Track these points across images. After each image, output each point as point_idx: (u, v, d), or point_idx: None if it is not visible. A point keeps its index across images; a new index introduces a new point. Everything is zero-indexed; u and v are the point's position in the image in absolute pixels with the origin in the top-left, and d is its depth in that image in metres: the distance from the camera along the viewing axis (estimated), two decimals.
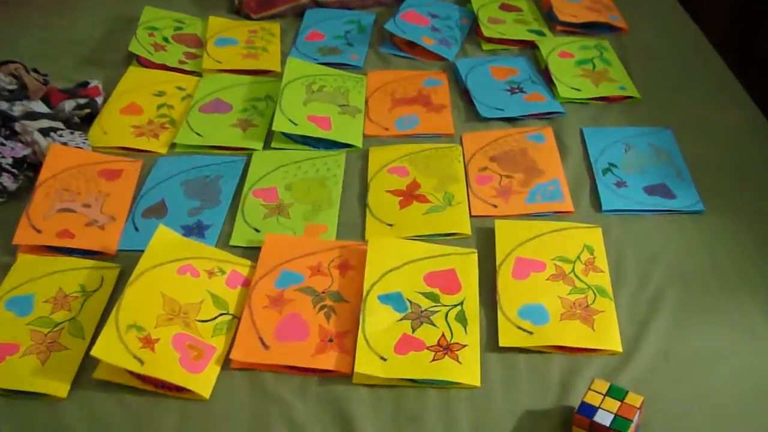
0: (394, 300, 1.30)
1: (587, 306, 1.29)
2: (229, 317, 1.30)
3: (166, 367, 1.20)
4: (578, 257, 1.37)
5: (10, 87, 1.65)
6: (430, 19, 2.01)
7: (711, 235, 1.42)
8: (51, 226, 1.44)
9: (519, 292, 1.31)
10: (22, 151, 1.54)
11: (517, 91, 1.77)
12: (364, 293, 1.29)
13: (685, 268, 1.36)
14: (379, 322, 1.26)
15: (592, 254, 1.37)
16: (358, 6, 2.10)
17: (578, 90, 1.75)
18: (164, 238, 1.37)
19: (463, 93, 1.78)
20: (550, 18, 2.01)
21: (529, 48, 1.92)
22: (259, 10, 2.05)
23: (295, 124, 1.63)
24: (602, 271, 1.35)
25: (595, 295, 1.31)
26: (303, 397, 1.19)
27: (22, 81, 1.68)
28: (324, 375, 1.22)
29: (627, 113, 1.71)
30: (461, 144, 1.63)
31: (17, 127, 1.57)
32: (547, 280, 1.33)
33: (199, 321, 1.28)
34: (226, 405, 1.19)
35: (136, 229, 1.46)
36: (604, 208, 1.48)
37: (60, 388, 1.21)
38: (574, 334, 1.24)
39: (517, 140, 1.63)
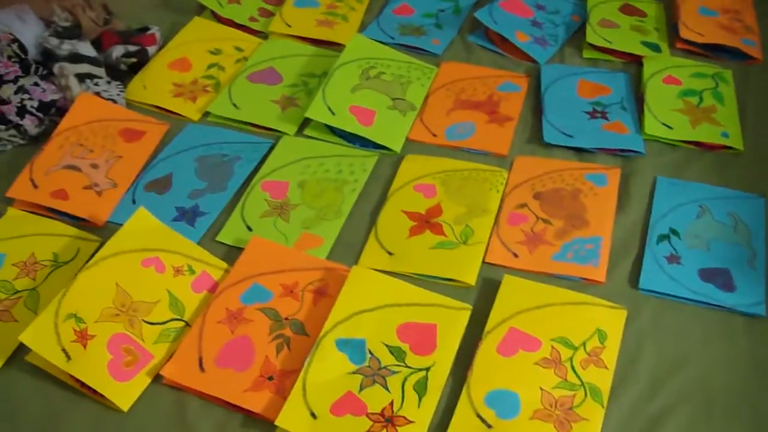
0: (354, 348, 1.15)
1: (570, 408, 1.08)
2: (181, 324, 1.20)
3: (92, 368, 1.12)
4: (584, 343, 1.15)
5: (64, 24, 1.60)
6: (535, 10, 1.77)
7: (763, 350, 1.16)
8: (49, 182, 1.38)
9: (496, 372, 1.12)
10: (51, 95, 1.49)
11: (598, 115, 1.52)
12: (322, 332, 1.15)
13: (713, 385, 1.12)
14: (327, 371, 1.12)
15: (602, 343, 1.16)
16: None
17: (670, 128, 1.48)
18: (141, 222, 1.28)
19: (538, 106, 1.56)
20: (675, 31, 1.71)
21: (636, 63, 1.65)
22: None
23: (333, 114, 1.48)
24: (606, 368, 1.13)
25: (585, 395, 1.10)
26: None
27: (77, 19, 1.62)
28: (250, 416, 1.10)
29: (720, 167, 1.43)
30: (510, 169, 1.43)
31: (55, 68, 1.52)
32: (535, 363, 1.13)
33: (147, 322, 1.19)
34: (142, 422, 1.10)
35: (134, 202, 1.38)
36: (641, 285, 1.24)
37: None
38: None
39: (575, 178, 1.40)
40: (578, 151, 1.47)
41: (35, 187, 1.38)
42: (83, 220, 1.35)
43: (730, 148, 1.46)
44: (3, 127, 1.46)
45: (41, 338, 1.13)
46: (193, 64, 1.63)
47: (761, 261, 1.27)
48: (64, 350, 1.13)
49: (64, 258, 1.29)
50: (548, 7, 1.79)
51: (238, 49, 1.68)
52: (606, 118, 1.51)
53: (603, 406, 1.09)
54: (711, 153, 1.46)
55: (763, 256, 1.28)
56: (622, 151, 1.46)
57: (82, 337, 1.14)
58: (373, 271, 1.24)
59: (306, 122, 1.51)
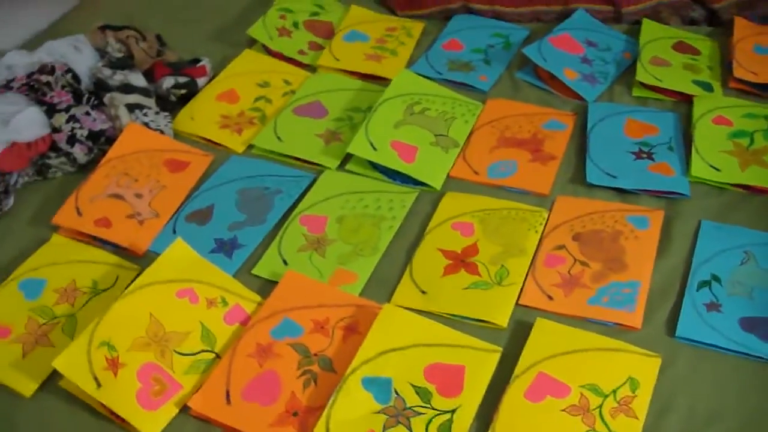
0: (380, 387, 1.14)
1: None
2: (211, 356, 1.22)
3: (121, 396, 1.14)
4: (615, 391, 1.13)
5: (118, 54, 1.65)
6: (585, 47, 1.75)
7: None
8: (94, 210, 1.42)
9: (523, 418, 1.10)
10: (101, 124, 1.54)
11: (644, 156, 1.49)
12: (349, 370, 1.15)
13: None
14: (352, 409, 1.12)
15: (634, 392, 1.13)
16: (513, 18, 1.87)
17: (717, 170, 1.44)
18: (178, 253, 1.30)
19: (583, 145, 1.54)
20: (729, 69, 1.67)
21: (687, 102, 1.61)
22: (405, 7, 1.90)
23: (375, 149, 1.49)
24: (636, 418, 1.10)
25: None
26: None
27: (130, 50, 1.67)
28: None
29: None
30: (550, 209, 1.41)
31: (106, 98, 1.56)
32: (563, 410, 1.11)
33: (178, 353, 1.20)
34: None
35: (174, 232, 1.40)
36: (678, 333, 1.21)
37: (26, 387, 1.19)
38: None
39: (615, 220, 1.37)
40: (621, 192, 1.44)
41: (80, 214, 1.41)
42: (124, 248, 1.38)
43: None
44: (54, 154, 1.51)
45: (74, 365, 1.15)
46: (240, 96, 1.66)
47: None
48: (95, 377, 1.15)
49: (103, 285, 1.32)
50: (599, 44, 1.77)
51: (287, 82, 1.70)
52: (652, 159, 1.48)
53: None
54: (759, 197, 1.42)
55: None
56: (667, 193, 1.43)
57: (113, 365, 1.16)
58: (404, 309, 1.23)
59: (348, 157, 1.52)
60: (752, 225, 1.36)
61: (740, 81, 1.63)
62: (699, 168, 1.45)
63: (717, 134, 1.51)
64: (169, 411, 1.15)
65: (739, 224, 1.37)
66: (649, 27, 1.79)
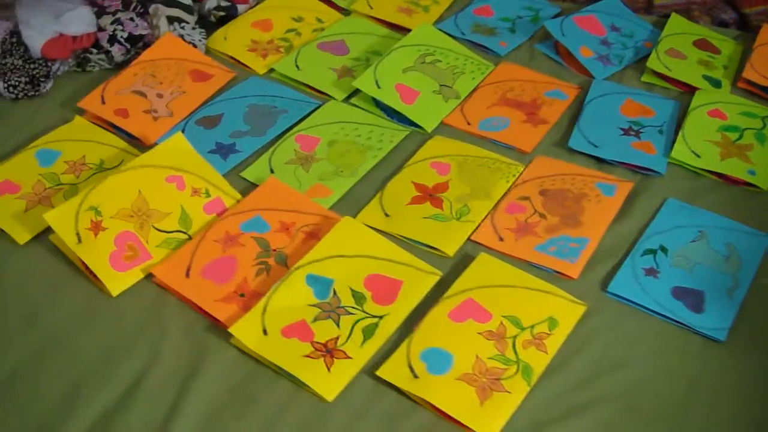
0: (321, 285, 1.25)
1: (497, 379, 1.14)
2: (185, 237, 1.35)
3: (96, 254, 1.28)
4: (533, 326, 1.21)
5: None
6: (608, 30, 1.81)
7: (708, 374, 1.17)
8: (117, 101, 1.57)
9: (441, 332, 1.19)
10: (141, 30, 1.69)
11: (632, 133, 1.55)
12: (297, 265, 1.26)
13: (645, 392, 1.14)
14: (290, 298, 1.23)
15: (550, 330, 1.20)
16: None
17: (697, 156, 1.49)
18: (176, 144, 1.43)
19: (579, 115, 1.60)
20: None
21: (693, 95, 1.65)
22: None
23: (379, 87, 1.59)
24: (546, 353, 1.18)
25: (516, 371, 1.15)
26: (179, 333, 1.22)
27: None
28: (215, 323, 1.23)
29: (736, 201, 1.43)
30: (527, 165, 1.49)
31: (151, 8, 1.71)
32: (479, 333, 1.19)
33: (155, 228, 1.34)
34: (125, 308, 1.25)
35: (182, 131, 1.53)
36: (609, 288, 1.27)
37: (21, 236, 1.34)
38: (455, 400, 1.11)
39: (584, 184, 1.44)
40: (601, 162, 1.50)
41: (103, 103, 1.56)
42: (135, 138, 1.52)
43: (753, 186, 1.45)
44: (95, 50, 1.67)
45: (62, 220, 1.30)
46: (274, 26, 1.79)
47: (741, 293, 1.27)
48: (77, 234, 1.29)
49: (108, 165, 1.47)
50: (624, 29, 1.82)
51: (319, 20, 1.82)
52: (638, 137, 1.54)
53: (529, 385, 1.14)
54: (731, 187, 1.46)
55: (745, 289, 1.28)
56: (643, 169, 1.48)
57: (96, 227, 1.31)
58: (361, 223, 1.34)
59: (356, 93, 1.63)
60: (717, 210, 1.41)
61: (749, 83, 1.67)
62: (680, 151, 1.50)
63: (708, 125, 1.56)
64: (135, 275, 1.29)
65: (704, 208, 1.42)
66: (676, 21, 1.83)
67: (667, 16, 1.86)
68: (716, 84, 1.67)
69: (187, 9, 1.74)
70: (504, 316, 1.22)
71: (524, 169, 1.47)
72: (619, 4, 1.89)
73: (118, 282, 1.27)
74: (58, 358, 1.19)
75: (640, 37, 1.81)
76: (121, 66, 1.68)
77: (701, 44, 1.78)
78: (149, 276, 1.29)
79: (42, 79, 1.61)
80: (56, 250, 1.33)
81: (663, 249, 1.34)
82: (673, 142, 1.52)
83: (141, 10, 1.72)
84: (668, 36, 1.78)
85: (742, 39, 1.82)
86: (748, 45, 1.78)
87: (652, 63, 1.70)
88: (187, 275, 1.28)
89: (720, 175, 1.48)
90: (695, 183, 1.47)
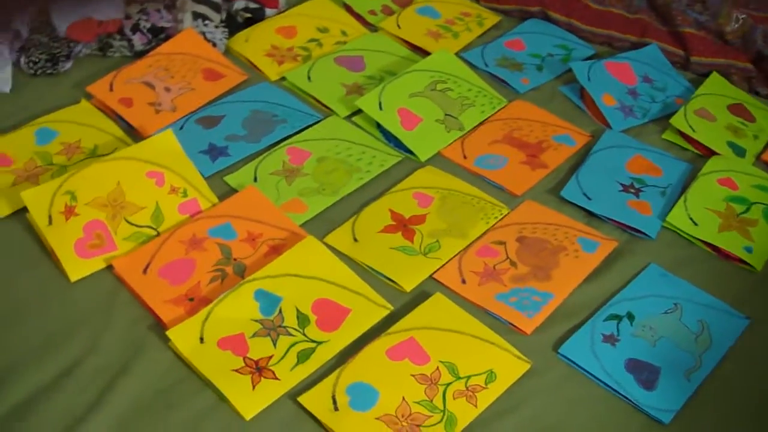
0: (269, 301, 1.24)
1: (418, 425, 1.11)
2: (153, 233, 1.36)
3: (63, 238, 1.31)
4: (469, 377, 1.17)
5: None
6: (640, 81, 1.74)
7: None
8: (124, 90, 1.60)
9: (373, 368, 1.17)
10: (164, 22, 1.71)
11: (631, 191, 1.49)
12: (249, 278, 1.26)
13: None
14: (234, 311, 1.23)
15: (486, 384, 1.17)
16: (586, 36, 1.88)
17: (694, 224, 1.42)
18: (164, 141, 1.44)
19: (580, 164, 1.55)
20: None
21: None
22: None
23: (381, 109, 1.58)
24: (475, 407, 1.14)
25: (440, 421, 1.12)
26: (123, 328, 1.23)
27: None
28: (160, 323, 1.24)
29: (724, 278, 1.36)
30: (513, 209, 1.44)
31: (178, 1, 1.74)
32: (412, 375, 1.17)
33: (127, 221, 1.35)
34: (80, 294, 1.27)
35: (181, 128, 1.55)
36: (561, 350, 1.23)
37: (4, 207, 1.38)
38: None
39: (566, 236, 1.39)
40: (591, 216, 1.45)
41: (111, 90, 1.60)
42: (134, 128, 1.55)
43: (746, 264, 1.38)
44: (118, 36, 1.70)
45: (37, 200, 1.33)
46: (298, 33, 1.79)
47: (700, 376, 1.21)
48: (49, 215, 1.32)
49: (101, 151, 1.49)
50: (657, 81, 1.75)
51: (344, 33, 1.81)
52: (637, 196, 1.48)
53: None
54: (723, 262, 1.39)
55: (706, 372, 1.21)
56: (634, 230, 1.42)
57: (69, 212, 1.33)
58: (322, 245, 1.33)
59: (360, 110, 1.61)
60: (700, 284, 1.34)
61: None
62: (677, 216, 1.43)
63: (715, 192, 1.48)
64: (96, 264, 1.31)
65: (688, 279, 1.35)
66: (715, 80, 1.75)
67: (706, 75, 1.78)
68: (740, 152, 1.59)
69: (214, 7, 1.76)
70: (442, 362, 1.19)
71: (508, 213, 1.44)
72: (659, 55, 1.81)
73: (78, 268, 1.30)
74: (3, 335, 1.22)
75: (673, 92, 1.74)
76: (140, 55, 1.71)
77: (736, 109, 1.70)
78: (111, 267, 1.31)
79: (62, 59, 1.65)
80: (31, 228, 1.36)
81: (630, 316, 1.28)
82: (673, 206, 1.46)
83: (168, 3, 1.75)
84: (702, 95, 1.70)
85: None
86: None
87: (677, 120, 1.62)
88: (145, 272, 1.29)
89: (714, 248, 1.40)
90: (685, 251, 1.40)
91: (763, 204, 1.48)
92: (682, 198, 1.46)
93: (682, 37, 1.82)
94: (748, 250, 1.39)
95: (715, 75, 1.76)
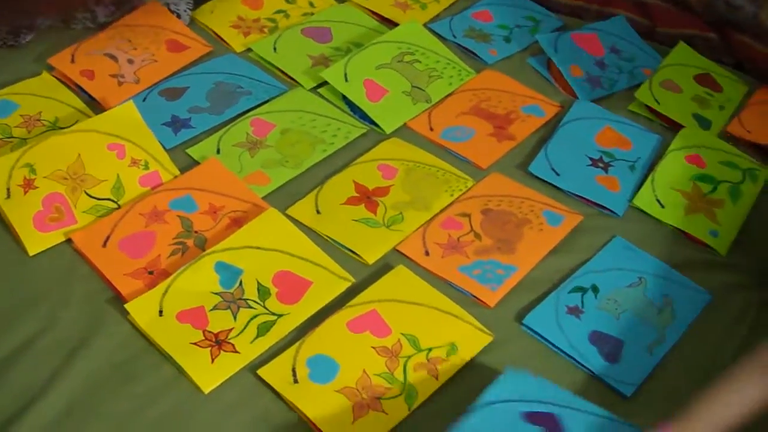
0: (229, 274, 1.23)
1: (378, 398, 1.11)
2: (114, 206, 1.34)
3: (21, 211, 1.29)
4: (430, 349, 1.17)
5: None
6: (607, 52, 1.73)
7: None
8: (86, 62, 1.57)
9: (334, 341, 1.16)
10: None
11: (600, 166, 1.47)
12: (209, 251, 1.25)
13: None
14: (194, 283, 1.21)
15: (447, 356, 1.16)
16: (554, 7, 1.86)
17: (661, 206, 1.41)
18: (125, 112, 1.42)
19: (550, 136, 1.54)
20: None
21: (678, 131, 1.57)
22: None
23: (346, 81, 1.56)
24: (436, 379, 1.14)
25: (400, 394, 1.11)
26: (81, 301, 1.21)
27: None
28: (118, 296, 1.22)
29: (690, 254, 1.36)
30: (478, 182, 1.43)
31: None
32: (373, 347, 1.16)
33: (87, 194, 1.33)
34: (38, 268, 1.25)
35: (144, 100, 1.53)
36: (525, 321, 1.22)
37: None
38: (328, 413, 1.08)
39: (531, 210, 1.39)
40: (557, 190, 1.44)
41: (72, 62, 1.57)
42: (96, 101, 1.52)
43: (710, 248, 1.37)
44: (82, 8, 1.67)
45: None
46: (264, 5, 1.77)
47: (663, 349, 1.20)
48: (8, 189, 1.30)
49: (62, 124, 1.47)
50: (624, 52, 1.74)
51: (311, 4, 1.79)
52: (605, 171, 1.47)
53: (410, 410, 1.10)
54: (690, 244, 1.38)
55: (668, 346, 1.21)
56: (601, 206, 1.42)
57: (27, 185, 1.31)
58: (284, 217, 1.31)
59: (326, 82, 1.59)
60: (665, 258, 1.34)
61: (732, 135, 1.58)
62: (644, 198, 1.42)
63: (682, 171, 1.47)
64: (55, 237, 1.29)
65: (653, 254, 1.35)
66: (682, 50, 1.74)
67: (672, 45, 1.77)
68: (705, 125, 1.59)
69: None
70: (403, 334, 1.18)
71: (474, 185, 1.43)
72: (627, 26, 1.80)
73: (37, 242, 1.28)
74: None
75: (640, 63, 1.73)
76: (104, 27, 1.68)
77: (703, 79, 1.69)
78: (70, 240, 1.29)
79: (24, 30, 1.62)
80: None
81: (594, 289, 1.28)
82: (641, 183, 1.45)
83: None
84: (669, 66, 1.70)
85: (751, 83, 1.71)
86: (753, 88, 1.69)
87: (641, 94, 1.61)
88: (105, 245, 1.27)
89: (680, 230, 1.40)
90: (651, 227, 1.40)
91: (729, 182, 1.47)
92: (650, 178, 1.44)
93: (646, 7, 1.81)
94: (714, 234, 1.38)
95: (681, 45, 1.75)
